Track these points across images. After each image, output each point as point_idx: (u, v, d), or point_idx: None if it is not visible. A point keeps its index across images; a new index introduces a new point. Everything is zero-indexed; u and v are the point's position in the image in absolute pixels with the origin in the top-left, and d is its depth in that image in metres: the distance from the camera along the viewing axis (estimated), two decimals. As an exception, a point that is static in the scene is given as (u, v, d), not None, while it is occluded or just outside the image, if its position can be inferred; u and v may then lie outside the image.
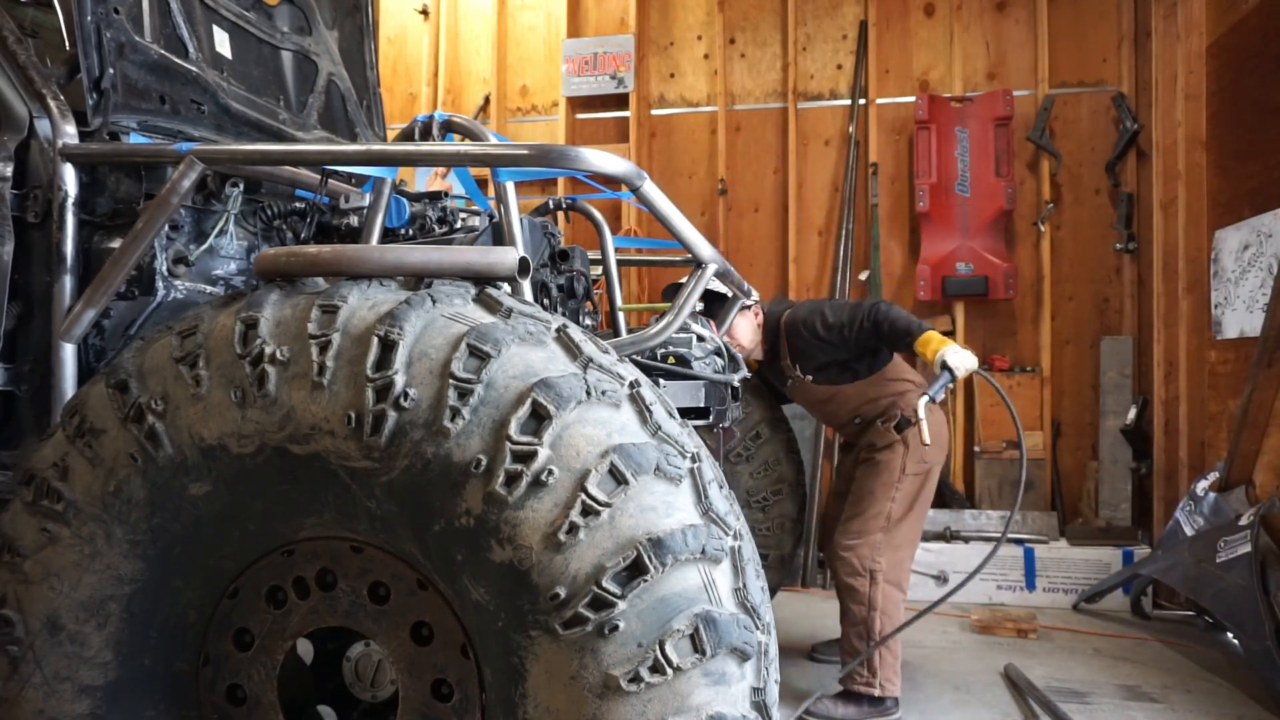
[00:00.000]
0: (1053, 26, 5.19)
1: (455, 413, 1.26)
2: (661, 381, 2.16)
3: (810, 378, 3.29)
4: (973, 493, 5.08)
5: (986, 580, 4.57)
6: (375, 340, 1.31)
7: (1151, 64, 4.83)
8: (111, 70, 1.89)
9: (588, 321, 2.64)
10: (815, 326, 3.18)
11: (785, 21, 5.54)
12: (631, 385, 1.38)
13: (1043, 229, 5.10)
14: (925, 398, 2.87)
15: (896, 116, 5.39)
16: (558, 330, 1.41)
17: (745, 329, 3.32)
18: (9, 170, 1.84)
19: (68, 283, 1.81)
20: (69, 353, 1.79)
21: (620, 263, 3.00)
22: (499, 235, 1.96)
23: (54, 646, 1.45)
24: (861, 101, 5.37)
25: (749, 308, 3.30)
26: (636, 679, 1.20)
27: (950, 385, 2.89)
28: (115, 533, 1.43)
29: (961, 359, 2.86)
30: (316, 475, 1.36)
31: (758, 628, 1.31)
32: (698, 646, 1.22)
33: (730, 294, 2.78)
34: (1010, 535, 4.77)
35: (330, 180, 2.20)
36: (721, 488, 1.41)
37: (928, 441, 2.88)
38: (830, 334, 3.16)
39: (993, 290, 5.00)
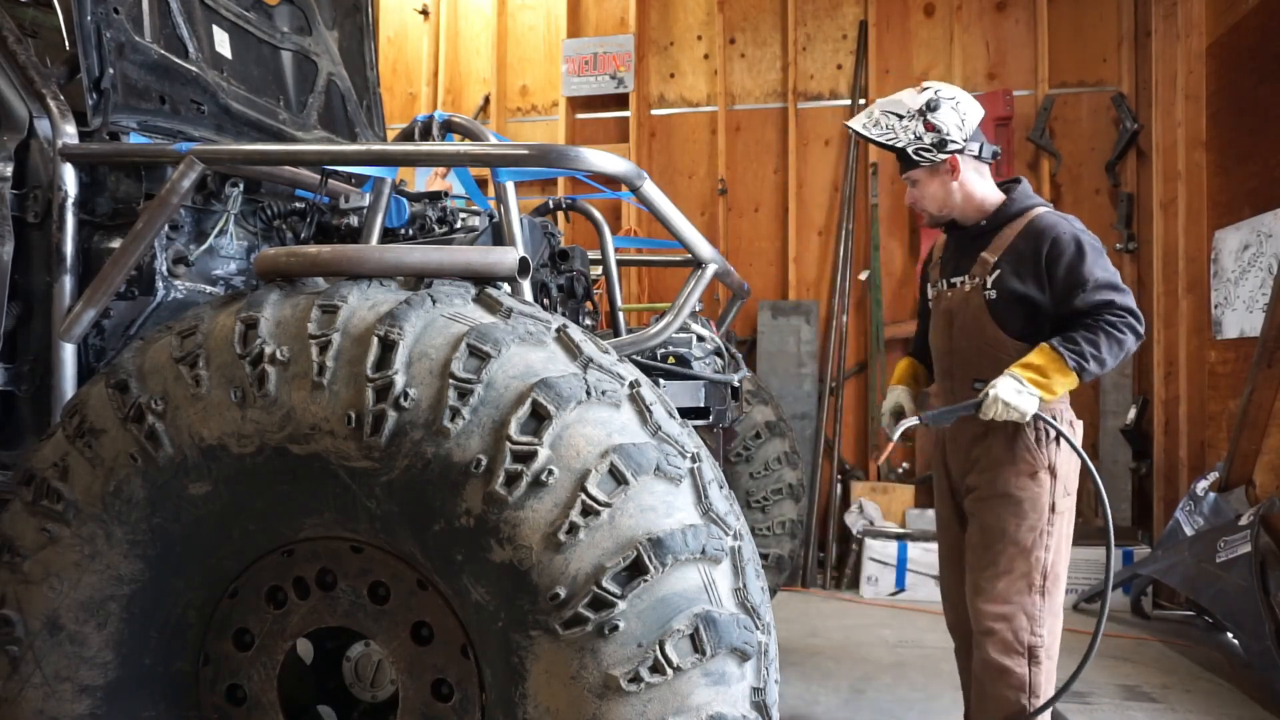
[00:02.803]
0: (1053, 26, 5.18)
1: (455, 413, 1.26)
2: (661, 381, 2.16)
3: (992, 294, 2.40)
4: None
5: (986, 580, 4.55)
6: (375, 340, 1.31)
7: (1151, 64, 4.83)
8: (111, 70, 1.88)
9: (588, 321, 2.64)
10: (1059, 248, 2.33)
11: (785, 21, 5.54)
12: (631, 385, 1.38)
13: (1043, 229, 5.09)
14: (921, 417, 2.38)
15: (896, 116, 5.38)
16: (558, 330, 1.41)
17: (937, 192, 2.47)
18: (9, 170, 1.84)
19: (68, 283, 1.81)
20: (69, 353, 1.79)
21: (620, 263, 3.00)
22: (499, 235, 1.96)
23: (54, 646, 1.45)
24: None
25: (942, 164, 2.44)
26: (636, 679, 1.20)
27: (962, 414, 2.32)
28: (115, 533, 1.42)
29: (1007, 406, 2.21)
30: (316, 475, 1.36)
31: (758, 628, 1.31)
32: (698, 646, 1.22)
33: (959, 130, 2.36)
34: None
35: (330, 180, 2.20)
36: (721, 488, 1.41)
37: (881, 463, 2.33)
38: (1055, 269, 2.33)
39: (993, 290, 4.98)
